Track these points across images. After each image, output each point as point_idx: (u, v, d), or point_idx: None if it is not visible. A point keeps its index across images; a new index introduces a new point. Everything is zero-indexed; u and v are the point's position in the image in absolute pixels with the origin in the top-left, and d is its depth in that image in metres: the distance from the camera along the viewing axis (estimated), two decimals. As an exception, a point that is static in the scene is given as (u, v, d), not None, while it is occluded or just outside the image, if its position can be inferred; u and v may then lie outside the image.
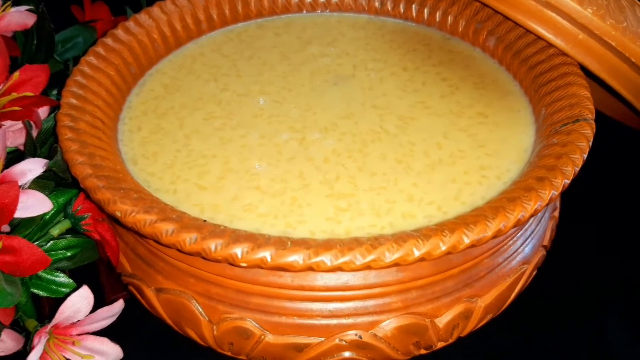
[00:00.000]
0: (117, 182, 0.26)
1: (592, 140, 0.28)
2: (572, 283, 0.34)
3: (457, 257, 0.26)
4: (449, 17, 0.40)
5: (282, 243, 0.23)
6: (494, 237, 0.24)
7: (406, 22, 0.41)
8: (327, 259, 0.22)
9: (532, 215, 0.24)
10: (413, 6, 0.41)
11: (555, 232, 0.33)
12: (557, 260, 0.34)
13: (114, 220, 0.28)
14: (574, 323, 0.33)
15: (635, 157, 0.41)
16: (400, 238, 0.23)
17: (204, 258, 0.23)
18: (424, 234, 0.23)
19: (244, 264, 0.22)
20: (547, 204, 0.25)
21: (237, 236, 0.23)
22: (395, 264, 0.23)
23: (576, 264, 0.35)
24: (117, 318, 0.30)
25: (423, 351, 0.28)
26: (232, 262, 0.23)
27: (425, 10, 0.40)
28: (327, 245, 0.23)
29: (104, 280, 0.36)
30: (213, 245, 0.23)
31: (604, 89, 0.35)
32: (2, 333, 0.30)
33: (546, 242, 0.31)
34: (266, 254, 0.22)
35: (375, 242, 0.23)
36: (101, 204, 0.25)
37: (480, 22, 0.38)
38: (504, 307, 0.29)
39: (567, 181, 0.26)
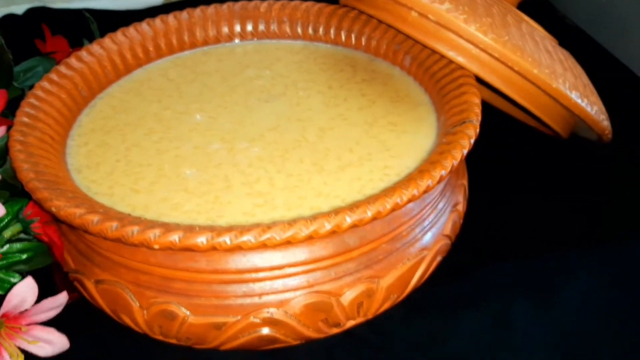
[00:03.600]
0: (55, 185, 0.30)
1: (474, 138, 0.32)
2: (480, 272, 0.38)
3: (353, 240, 0.30)
4: (373, 41, 0.44)
5: (190, 228, 0.27)
6: (374, 218, 0.27)
7: (337, 46, 0.46)
8: (227, 239, 0.26)
9: (410, 201, 0.28)
10: (342, 32, 0.45)
11: (461, 225, 0.37)
12: (467, 251, 0.38)
13: (59, 222, 0.32)
14: (482, 310, 0.36)
15: (541, 157, 0.45)
16: (293, 221, 0.27)
17: (124, 243, 0.27)
18: (314, 217, 0.27)
19: (156, 246, 0.26)
20: (425, 192, 0.29)
21: (152, 224, 0.27)
22: (287, 242, 0.26)
23: (484, 255, 0.39)
24: (66, 314, 0.33)
25: (335, 329, 0.32)
26: (147, 245, 0.26)
27: (353, 36, 0.45)
28: (229, 228, 0.27)
29: (58, 283, 0.39)
30: (131, 231, 0.26)
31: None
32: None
33: (448, 232, 0.35)
34: (175, 237, 0.26)
35: (272, 224, 0.27)
36: (40, 202, 0.29)
37: (398, 44, 0.43)
38: (408, 290, 0.33)
39: (445, 172, 0.30)
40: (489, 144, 0.38)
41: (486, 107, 0.37)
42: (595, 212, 0.42)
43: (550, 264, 0.38)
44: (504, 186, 0.43)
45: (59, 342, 0.33)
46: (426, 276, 0.34)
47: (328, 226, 0.27)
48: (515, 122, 0.47)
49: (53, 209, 0.28)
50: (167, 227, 0.27)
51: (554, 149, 0.46)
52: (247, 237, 0.26)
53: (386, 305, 0.32)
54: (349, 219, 0.27)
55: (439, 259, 0.34)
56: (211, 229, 0.27)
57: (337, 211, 0.27)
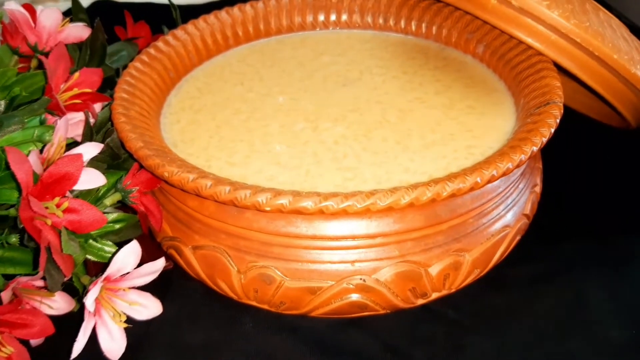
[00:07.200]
0: (163, 153, 0.32)
1: (559, 118, 0.33)
2: (554, 253, 0.39)
3: (444, 213, 0.31)
4: (444, 30, 0.45)
5: (297, 193, 0.28)
6: (471, 189, 0.29)
7: (407, 36, 0.47)
8: (333, 203, 0.27)
9: (504, 174, 0.29)
10: (412, 22, 0.47)
11: (537, 207, 0.37)
12: (541, 233, 0.38)
13: (158, 191, 0.33)
14: (557, 288, 0.37)
15: (611, 153, 0.46)
16: (394, 188, 0.28)
17: (235, 206, 0.28)
18: (413, 186, 0.28)
19: (267, 208, 0.28)
20: (518, 166, 0.30)
21: (262, 188, 0.28)
22: (389, 207, 0.28)
23: (556, 237, 0.40)
24: (157, 283, 0.35)
25: (421, 300, 0.33)
26: (258, 208, 0.28)
27: (423, 25, 0.46)
28: (333, 194, 0.28)
29: (144, 256, 0.41)
30: (243, 194, 0.28)
31: (583, 87, 0.40)
32: (56, 294, 0.35)
33: (527, 211, 0.36)
34: (284, 200, 0.28)
35: (373, 191, 0.28)
36: (151, 169, 0.31)
37: (470, 32, 0.44)
38: (490, 265, 0.34)
39: (535, 148, 0.31)
40: (559, 136, 0.39)
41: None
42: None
43: (620, 247, 0.39)
44: (574, 175, 0.44)
45: (153, 306, 0.35)
46: (506, 254, 0.35)
47: (429, 194, 0.28)
48: (581, 117, 0.48)
49: (165, 174, 0.30)
50: (277, 191, 0.28)
51: (620, 140, 0.46)
52: (352, 202, 0.28)
53: (469, 280, 0.33)
54: (448, 188, 0.28)
55: (518, 237, 0.35)
56: (318, 194, 0.28)
57: (436, 180, 0.28)
